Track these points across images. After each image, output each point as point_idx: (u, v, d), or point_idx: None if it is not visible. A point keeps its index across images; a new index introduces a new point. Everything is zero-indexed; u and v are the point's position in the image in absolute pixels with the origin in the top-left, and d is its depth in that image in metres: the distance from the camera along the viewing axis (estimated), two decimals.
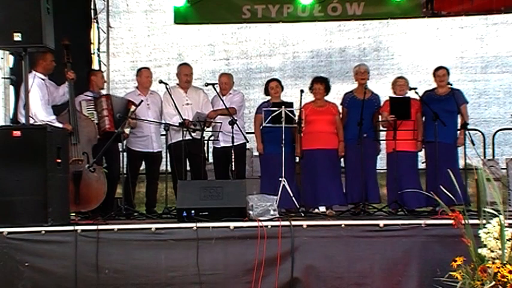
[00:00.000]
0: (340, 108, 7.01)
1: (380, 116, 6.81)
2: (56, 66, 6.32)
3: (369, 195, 6.63)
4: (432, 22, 8.99)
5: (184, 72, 7.14)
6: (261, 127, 6.74)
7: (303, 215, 6.12)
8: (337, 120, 6.90)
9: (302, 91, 6.63)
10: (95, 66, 8.63)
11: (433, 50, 9.10)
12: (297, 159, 6.90)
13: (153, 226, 5.04)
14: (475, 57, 9.24)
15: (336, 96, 7.29)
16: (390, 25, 9.17)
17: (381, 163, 7.10)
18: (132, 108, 6.63)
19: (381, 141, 6.99)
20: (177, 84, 7.18)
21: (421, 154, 6.96)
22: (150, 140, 6.92)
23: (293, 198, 6.25)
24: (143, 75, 7.08)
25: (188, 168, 6.94)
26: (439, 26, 9.09)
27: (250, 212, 5.44)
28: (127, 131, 6.62)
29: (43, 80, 6.19)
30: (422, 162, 6.93)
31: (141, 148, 6.91)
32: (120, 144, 6.56)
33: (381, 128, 6.95)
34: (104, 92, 7.15)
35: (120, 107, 6.62)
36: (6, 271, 4.83)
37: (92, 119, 6.47)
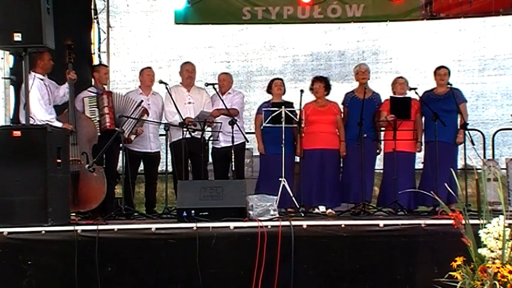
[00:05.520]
0: (341, 107, 7.02)
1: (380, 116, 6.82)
2: (57, 66, 6.31)
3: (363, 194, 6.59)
4: (430, 25, 9.00)
5: (187, 68, 7.18)
6: (261, 127, 6.76)
7: (303, 215, 6.12)
8: (339, 120, 6.91)
9: (302, 91, 6.65)
10: None
11: (431, 53, 9.09)
12: (297, 159, 6.90)
13: (153, 226, 5.03)
14: (473, 60, 9.23)
15: (335, 98, 7.29)
16: (389, 27, 9.18)
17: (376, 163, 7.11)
18: (145, 117, 6.66)
19: (380, 141, 7.00)
20: (180, 83, 7.20)
21: (419, 155, 6.97)
22: (148, 140, 6.91)
23: (293, 198, 6.26)
24: (145, 74, 7.12)
25: (189, 168, 6.96)
26: (437, 28, 9.09)
27: (250, 212, 5.44)
28: (132, 137, 6.64)
29: (42, 79, 6.19)
30: (422, 163, 6.94)
31: (139, 148, 6.89)
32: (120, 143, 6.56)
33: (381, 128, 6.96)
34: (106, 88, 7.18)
35: (124, 107, 6.61)
36: (9, 270, 4.82)
37: (93, 118, 6.48)
